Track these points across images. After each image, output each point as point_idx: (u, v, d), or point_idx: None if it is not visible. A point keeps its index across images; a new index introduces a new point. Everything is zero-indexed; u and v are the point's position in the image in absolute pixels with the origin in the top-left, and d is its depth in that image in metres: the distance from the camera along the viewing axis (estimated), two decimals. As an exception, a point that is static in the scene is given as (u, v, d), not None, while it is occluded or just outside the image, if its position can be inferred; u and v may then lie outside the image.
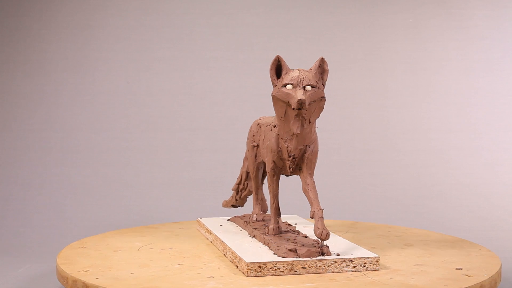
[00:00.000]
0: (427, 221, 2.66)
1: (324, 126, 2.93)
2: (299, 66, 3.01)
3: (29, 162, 2.95)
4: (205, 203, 2.83)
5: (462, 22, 2.93)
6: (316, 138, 1.64)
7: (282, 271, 1.49)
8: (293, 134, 1.58)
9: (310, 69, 1.61)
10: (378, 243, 1.84)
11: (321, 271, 1.50)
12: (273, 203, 1.73)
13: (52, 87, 3.02)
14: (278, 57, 1.62)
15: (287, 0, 3.02)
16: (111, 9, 3.03)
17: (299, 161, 1.62)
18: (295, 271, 1.49)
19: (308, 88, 1.56)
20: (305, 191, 1.60)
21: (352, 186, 2.88)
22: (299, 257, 1.50)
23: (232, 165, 2.92)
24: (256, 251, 1.60)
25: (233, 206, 2.09)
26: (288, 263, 1.49)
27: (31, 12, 3.03)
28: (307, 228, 1.86)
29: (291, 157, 1.61)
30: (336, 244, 1.65)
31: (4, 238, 2.56)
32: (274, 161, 1.65)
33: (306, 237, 1.67)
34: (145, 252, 1.76)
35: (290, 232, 1.73)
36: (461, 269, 1.53)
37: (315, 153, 1.63)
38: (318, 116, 1.61)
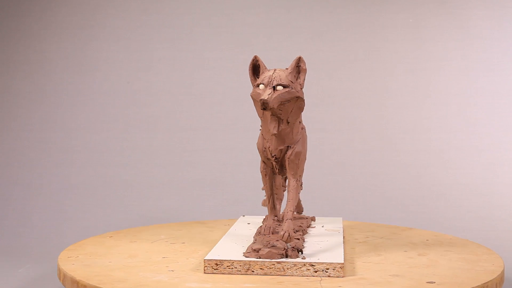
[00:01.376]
0: (427, 221, 2.66)
1: (324, 126, 2.94)
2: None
3: (29, 162, 2.95)
4: (205, 203, 2.83)
5: (462, 22, 2.93)
6: (301, 139, 1.62)
7: (239, 270, 1.49)
8: (272, 134, 1.59)
9: (287, 69, 1.59)
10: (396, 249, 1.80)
11: (279, 273, 1.48)
12: (269, 203, 1.73)
13: (52, 87, 3.02)
14: (255, 57, 1.61)
15: (287, 0, 3.02)
16: (111, 9, 3.03)
17: (282, 161, 1.62)
18: (253, 271, 1.49)
19: (279, 88, 1.54)
20: (287, 192, 1.61)
21: (352, 186, 2.88)
22: (260, 258, 1.50)
23: (232, 165, 2.92)
24: (230, 248, 1.61)
25: (298, 212, 2.07)
26: (245, 262, 1.49)
27: (31, 12, 3.02)
28: (329, 231, 1.86)
29: (273, 157, 1.62)
30: (321, 245, 1.64)
31: (4, 238, 2.56)
32: (263, 161, 1.67)
33: (298, 239, 1.65)
34: (150, 245, 1.79)
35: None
36: (434, 282, 1.44)
37: (297, 154, 1.61)
38: (298, 117, 1.60)
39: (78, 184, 2.90)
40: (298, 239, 1.64)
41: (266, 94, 1.52)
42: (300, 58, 1.58)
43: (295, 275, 1.47)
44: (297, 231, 1.76)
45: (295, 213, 1.97)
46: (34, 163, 2.94)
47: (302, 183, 1.69)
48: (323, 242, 1.68)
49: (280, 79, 1.55)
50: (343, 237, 1.85)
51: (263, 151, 1.64)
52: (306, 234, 1.80)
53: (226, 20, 3.02)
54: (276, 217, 1.78)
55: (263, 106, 1.50)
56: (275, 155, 1.62)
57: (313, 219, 2.01)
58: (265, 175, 1.69)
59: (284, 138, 1.60)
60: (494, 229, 2.62)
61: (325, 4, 3.01)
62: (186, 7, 3.03)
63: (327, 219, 2.05)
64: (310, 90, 3.02)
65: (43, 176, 2.92)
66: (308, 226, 1.91)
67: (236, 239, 1.73)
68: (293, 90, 1.56)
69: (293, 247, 1.55)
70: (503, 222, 2.68)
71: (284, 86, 1.55)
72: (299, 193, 1.64)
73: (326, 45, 2.99)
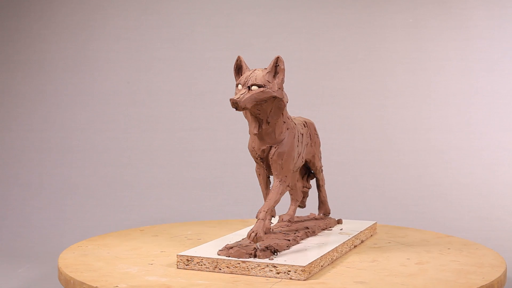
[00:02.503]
0: (427, 221, 2.66)
1: (324, 126, 2.94)
2: (299, 66, 3.02)
3: (29, 162, 2.95)
4: (205, 203, 2.83)
5: (462, 22, 2.93)
6: (286, 139, 1.61)
7: (208, 268, 1.51)
8: (253, 134, 1.59)
9: (265, 69, 1.58)
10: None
11: (244, 272, 1.48)
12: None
13: (52, 87, 3.02)
14: (238, 57, 1.61)
15: (287, 0, 3.02)
16: (111, 9, 3.03)
17: (268, 161, 1.62)
18: (220, 269, 1.51)
19: (254, 88, 1.53)
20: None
21: (352, 186, 2.88)
22: (229, 256, 1.51)
23: (232, 165, 2.92)
24: (214, 245, 1.63)
25: (299, 206, 2.06)
26: (214, 260, 1.51)
27: (31, 12, 3.03)
28: (342, 235, 1.84)
29: (258, 157, 1.62)
30: (306, 247, 1.64)
31: (4, 239, 2.56)
32: (256, 162, 1.67)
33: (289, 240, 1.65)
34: (151, 242, 1.81)
35: (279, 233, 1.73)
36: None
37: (280, 155, 1.60)
38: (278, 117, 1.58)
39: (78, 184, 2.90)
40: (289, 240, 1.64)
41: (238, 94, 1.51)
42: (278, 57, 1.56)
43: (258, 276, 1.47)
44: (296, 231, 1.75)
45: (321, 214, 1.97)
46: (34, 163, 2.95)
47: (289, 184, 1.65)
48: (312, 245, 1.67)
49: (256, 79, 1.54)
50: (360, 240, 1.84)
51: (251, 151, 1.64)
52: (312, 236, 1.78)
53: (226, 20, 3.02)
54: (276, 216, 1.78)
55: (233, 106, 1.50)
56: (258, 155, 1.62)
57: (339, 221, 1.99)
58: (259, 175, 1.70)
59: (266, 138, 1.59)
60: (494, 229, 2.62)
61: (325, 4, 3.01)
62: (186, 7, 3.03)
63: (358, 222, 2.01)
64: (310, 90, 3.03)
65: (43, 176, 2.92)
66: (325, 228, 1.88)
67: (237, 238, 1.74)
68: (268, 90, 1.54)
69: (267, 248, 1.54)
70: (503, 222, 2.68)
71: (259, 86, 1.53)
72: (281, 194, 1.60)
73: (326, 45, 2.99)
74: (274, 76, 1.56)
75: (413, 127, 2.94)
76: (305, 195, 1.97)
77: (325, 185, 1.99)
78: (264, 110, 1.56)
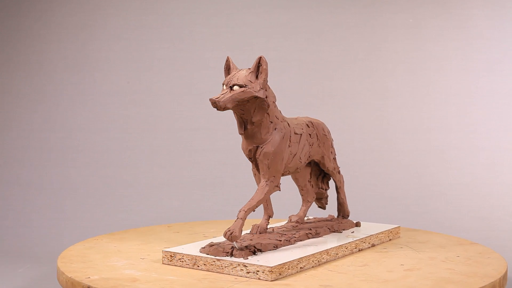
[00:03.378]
0: (427, 221, 2.66)
1: (324, 126, 2.94)
2: (299, 66, 3.02)
3: (29, 162, 2.95)
4: (205, 203, 2.83)
5: (462, 22, 2.93)
6: (272, 139, 1.60)
7: (188, 264, 1.55)
8: (239, 134, 1.61)
9: (249, 69, 1.58)
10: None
11: (219, 270, 1.50)
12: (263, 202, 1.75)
13: (52, 87, 3.02)
14: (227, 58, 1.62)
15: (287, 0, 3.02)
16: (111, 9, 3.03)
17: (256, 161, 1.63)
18: (198, 266, 1.53)
19: (236, 88, 1.53)
20: None
21: (352, 186, 2.88)
22: (207, 254, 1.54)
23: (232, 165, 2.92)
24: (201, 243, 1.66)
25: (320, 207, 2.02)
26: (193, 257, 1.54)
27: (31, 12, 3.02)
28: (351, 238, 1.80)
29: (248, 157, 1.63)
30: (291, 248, 1.64)
31: (4, 239, 2.56)
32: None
33: (280, 240, 1.65)
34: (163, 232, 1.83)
35: (276, 233, 1.73)
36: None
37: (266, 155, 1.59)
38: (262, 116, 1.58)
39: (78, 184, 2.90)
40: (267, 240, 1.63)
41: (219, 94, 1.53)
42: (260, 58, 1.56)
43: (230, 274, 1.49)
44: (296, 232, 1.74)
45: (341, 216, 1.94)
46: (34, 163, 2.94)
47: (278, 184, 1.63)
48: (303, 246, 1.65)
49: (238, 79, 1.55)
50: (371, 244, 1.80)
51: (243, 151, 1.66)
52: (315, 237, 1.76)
53: (226, 20, 3.02)
54: (269, 217, 1.78)
55: (213, 106, 1.51)
56: (247, 155, 1.63)
57: (357, 224, 1.94)
58: (254, 174, 1.71)
59: (252, 138, 1.60)
60: (494, 229, 2.62)
61: (325, 4, 3.01)
62: (186, 7, 3.03)
63: (377, 226, 1.95)
64: (310, 90, 3.03)
65: (43, 176, 2.92)
66: (336, 230, 1.85)
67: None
68: (249, 90, 1.54)
69: (246, 247, 1.54)
70: (503, 222, 2.68)
71: (241, 86, 1.54)
72: (266, 194, 1.60)
73: (326, 45, 2.99)
74: (257, 77, 1.56)
75: (413, 127, 2.94)
76: (320, 196, 1.93)
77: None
78: (248, 110, 1.57)
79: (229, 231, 1.52)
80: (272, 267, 1.44)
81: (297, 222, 1.85)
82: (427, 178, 2.87)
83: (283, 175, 1.69)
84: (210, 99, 1.50)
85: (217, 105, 1.50)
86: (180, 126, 2.98)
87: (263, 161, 1.60)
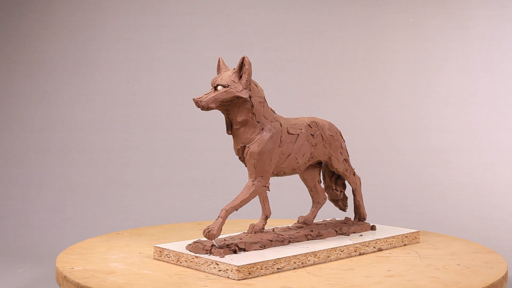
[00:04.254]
0: (427, 221, 2.66)
1: (324, 126, 2.94)
2: (299, 66, 3.02)
3: (29, 162, 2.95)
4: (205, 203, 2.83)
5: (462, 22, 2.93)
6: (259, 139, 1.60)
7: (172, 260, 1.60)
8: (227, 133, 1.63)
9: (234, 69, 1.60)
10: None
11: (196, 267, 1.54)
12: (260, 202, 1.75)
13: (52, 87, 3.02)
14: (219, 59, 1.64)
15: (287, 0, 3.02)
16: (111, 9, 3.03)
17: (244, 161, 1.64)
18: (180, 262, 1.58)
19: (220, 88, 1.56)
20: None
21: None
22: (190, 251, 1.58)
23: (232, 165, 2.91)
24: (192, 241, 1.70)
25: (341, 209, 1.98)
26: (176, 253, 1.59)
27: (31, 12, 3.03)
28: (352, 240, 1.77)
29: (238, 156, 1.65)
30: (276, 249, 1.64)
31: (4, 239, 2.56)
32: None
33: (271, 240, 1.66)
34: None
35: (271, 233, 1.73)
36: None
37: (251, 154, 1.60)
38: (247, 116, 1.59)
39: (78, 184, 2.90)
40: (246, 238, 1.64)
41: (203, 94, 1.57)
42: (242, 58, 1.58)
43: (205, 271, 1.52)
44: (295, 233, 1.74)
45: (357, 219, 1.90)
46: (34, 163, 2.94)
47: (266, 185, 1.63)
48: (290, 248, 1.64)
49: (221, 79, 1.57)
50: (377, 249, 1.74)
51: (234, 150, 1.68)
52: (316, 239, 1.74)
53: (226, 20, 3.02)
54: (267, 217, 1.77)
55: (196, 105, 1.55)
56: (236, 154, 1.65)
57: (373, 227, 1.88)
58: None
59: (238, 138, 1.61)
60: (494, 229, 2.62)
61: (325, 4, 3.01)
62: (186, 7, 3.03)
63: (394, 230, 1.88)
64: (310, 90, 3.03)
65: (43, 176, 2.92)
66: (343, 233, 1.80)
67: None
68: (231, 90, 1.56)
69: (227, 245, 1.56)
70: (503, 222, 2.68)
71: (224, 86, 1.56)
72: (252, 194, 1.60)
73: (326, 45, 2.99)
74: (241, 77, 1.58)
75: (413, 127, 2.94)
76: (335, 197, 1.90)
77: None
78: (233, 110, 1.59)
79: (207, 229, 1.54)
80: (239, 266, 1.45)
81: (303, 223, 1.83)
82: (427, 178, 2.87)
83: (278, 175, 1.69)
84: (193, 99, 1.53)
85: (200, 105, 1.55)
86: (180, 126, 2.98)
87: (249, 160, 1.61)
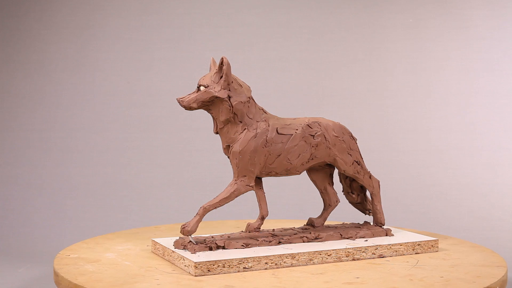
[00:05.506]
0: (427, 221, 2.66)
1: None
2: (299, 66, 3.02)
3: (29, 162, 2.95)
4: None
5: (462, 22, 2.93)
6: (242, 139, 1.62)
7: (161, 253, 1.68)
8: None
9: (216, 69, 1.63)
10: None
11: (173, 262, 1.59)
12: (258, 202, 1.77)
13: (52, 87, 3.02)
14: (211, 59, 1.66)
15: (287, 0, 3.02)
16: (111, 9, 3.03)
17: None
18: (164, 256, 1.65)
19: (202, 88, 1.61)
20: None
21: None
22: (173, 245, 1.64)
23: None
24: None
25: (367, 213, 1.91)
26: (163, 248, 1.66)
27: (31, 12, 3.03)
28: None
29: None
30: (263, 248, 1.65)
31: (4, 238, 2.56)
32: None
33: (258, 240, 1.66)
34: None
35: (263, 232, 1.74)
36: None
37: (234, 154, 1.62)
38: (227, 116, 1.61)
39: (78, 184, 2.90)
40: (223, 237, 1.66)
41: (186, 94, 1.62)
42: (221, 59, 1.60)
43: (177, 265, 1.57)
44: (292, 235, 1.73)
45: (374, 224, 1.82)
46: (34, 163, 2.95)
47: (250, 184, 1.64)
48: (272, 248, 1.64)
49: (203, 79, 1.61)
50: (377, 255, 1.66)
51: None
52: (311, 242, 1.70)
53: (226, 20, 3.02)
54: (263, 217, 1.77)
55: (180, 105, 1.62)
56: (225, 153, 1.68)
57: (388, 233, 1.78)
58: None
59: (224, 137, 1.64)
60: (494, 229, 2.62)
61: (325, 4, 3.01)
62: (186, 7, 3.03)
63: (411, 236, 1.79)
64: (310, 90, 3.03)
65: (43, 176, 2.92)
66: (349, 237, 1.73)
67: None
68: (210, 90, 1.60)
69: (204, 241, 1.60)
70: (503, 222, 2.68)
71: (205, 87, 1.60)
72: (234, 193, 1.64)
73: (326, 45, 2.99)
74: (221, 77, 1.60)
75: (413, 127, 2.94)
76: (352, 200, 1.85)
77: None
78: (215, 110, 1.62)
79: (184, 225, 1.58)
80: (196, 262, 1.48)
81: (310, 225, 1.80)
82: (427, 178, 2.87)
83: (270, 175, 1.68)
84: (177, 99, 1.60)
85: (182, 105, 1.61)
86: (180, 126, 2.98)
87: (232, 160, 1.63)
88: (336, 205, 1.83)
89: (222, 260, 1.50)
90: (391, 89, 2.98)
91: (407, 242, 1.73)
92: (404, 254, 1.72)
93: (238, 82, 1.63)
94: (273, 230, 1.78)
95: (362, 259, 1.66)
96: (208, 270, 1.49)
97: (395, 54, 2.98)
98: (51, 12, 3.03)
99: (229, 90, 1.60)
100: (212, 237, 1.65)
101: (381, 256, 1.69)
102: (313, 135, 1.71)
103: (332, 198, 1.82)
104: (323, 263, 1.61)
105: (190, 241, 1.60)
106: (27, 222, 2.72)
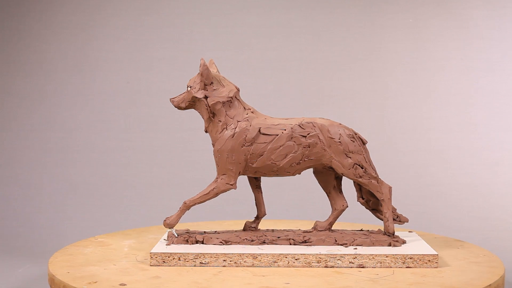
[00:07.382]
0: (427, 221, 2.66)
1: (324, 126, 2.93)
2: (299, 66, 3.02)
3: (29, 162, 2.95)
4: (205, 203, 2.82)
5: (462, 22, 2.93)
6: (221, 138, 1.67)
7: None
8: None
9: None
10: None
11: (163, 259, 1.63)
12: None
13: (52, 87, 3.02)
14: (210, 60, 1.77)
15: (287, 0, 3.02)
16: (111, 9, 3.03)
17: None
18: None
19: (188, 88, 1.70)
20: None
21: (352, 186, 2.87)
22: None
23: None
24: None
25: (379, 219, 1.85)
26: (158, 239, 1.82)
27: (31, 12, 3.03)
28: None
29: None
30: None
31: (4, 238, 2.56)
32: None
33: (243, 239, 1.71)
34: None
35: (256, 231, 1.76)
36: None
37: (214, 152, 1.70)
38: (207, 116, 1.68)
39: (78, 184, 2.90)
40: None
41: (178, 94, 1.71)
42: (200, 60, 1.70)
43: (163, 265, 1.62)
44: (286, 235, 1.72)
45: (383, 232, 1.75)
46: (34, 163, 2.94)
47: (231, 183, 1.66)
48: (246, 247, 1.67)
49: (190, 80, 1.71)
50: (358, 265, 1.59)
51: None
52: (305, 245, 1.69)
53: (226, 20, 3.02)
54: (259, 217, 1.79)
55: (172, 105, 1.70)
56: None
57: (393, 243, 1.69)
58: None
59: (210, 136, 1.71)
60: (494, 229, 2.62)
61: (325, 4, 3.01)
62: (186, 7, 3.03)
63: (412, 248, 1.67)
64: (310, 90, 3.03)
65: (43, 176, 2.92)
66: (343, 244, 1.69)
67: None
68: (191, 90, 1.69)
69: (185, 234, 1.71)
70: (503, 222, 2.68)
71: (190, 87, 1.69)
72: (214, 191, 1.72)
73: (326, 45, 2.99)
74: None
75: (413, 127, 2.94)
76: (364, 205, 1.81)
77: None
78: (200, 110, 1.69)
79: (166, 219, 1.69)
80: (152, 253, 1.60)
81: (313, 228, 1.76)
82: (427, 178, 2.87)
83: (257, 175, 1.70)
84: (169, 99, 1.70)
85: (173, 105, 1.70)
86: (180, 126, 2.98)
87: (214, 158, 1.70)
88: (344, 210, 1.78)
89: (179, 253, 1.59)
90: (391, 89, 2.97)
91: (396, 254, 1.59)
92: (391, 267, 1.59)
93: (221, 83, 1.67)
94: (273, 230, 1.78)
95: (336, 267, 1.58)
96: (164, 262, 1.59)
97: (395, 54, 2.97)
98: (51, 12, 3.03)
99: (207, 90, 1.67)
100: (205, 232, 1.74)
101: (361, 267, 1.59)
102: (305, 136, 1.67)
103: (337, 202, 1.78)
104: (289, 267, 1.58)
105: (173, 234, 1.70)
106: (27, 222, 2.72)
